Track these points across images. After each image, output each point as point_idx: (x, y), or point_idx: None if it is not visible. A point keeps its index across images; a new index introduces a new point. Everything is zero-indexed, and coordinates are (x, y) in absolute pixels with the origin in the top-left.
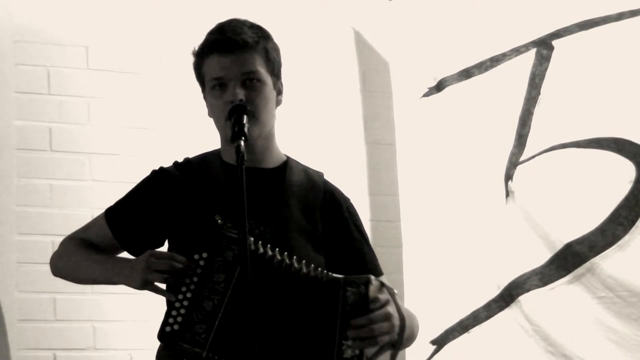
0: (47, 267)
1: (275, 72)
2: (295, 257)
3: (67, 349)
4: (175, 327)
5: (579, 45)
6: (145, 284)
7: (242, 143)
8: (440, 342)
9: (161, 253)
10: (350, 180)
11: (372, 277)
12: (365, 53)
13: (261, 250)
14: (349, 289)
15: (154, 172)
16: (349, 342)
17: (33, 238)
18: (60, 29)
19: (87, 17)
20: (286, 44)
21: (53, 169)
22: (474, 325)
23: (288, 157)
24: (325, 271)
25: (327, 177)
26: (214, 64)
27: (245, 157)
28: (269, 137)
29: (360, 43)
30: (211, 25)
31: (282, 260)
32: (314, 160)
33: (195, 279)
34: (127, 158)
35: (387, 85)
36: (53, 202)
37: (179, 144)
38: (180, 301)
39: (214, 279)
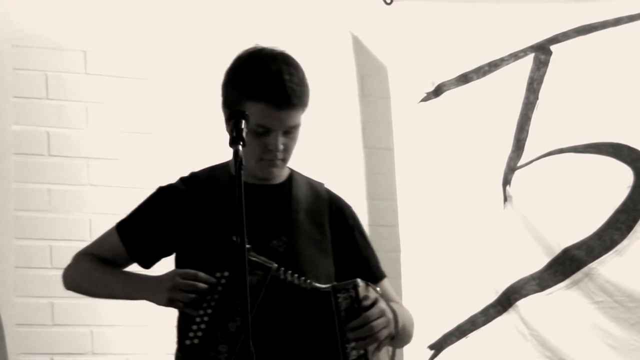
0: (45, 272)
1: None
2: (290, 271)
3: (65, 354)
4: (195, 341)
5: (577, 50)
6: (171, 302)
7: (240, 148)
8: (438, 347)
9: (186, 272)
10: (348, 185)
11: (358, 280)
12: (364, 58)
13: (286, 275)
14: (339, 295)
15: (160, 189)
16: (352, 345)
17: (31, 243)
18: (59, 34)
19: (85, 21)
20: (284, 48)
21: (51, 173)
22: (471, 330)
23: (292, 170)
24: (311, 282)
25: (325, 182)
26: (263, 113)
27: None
28: None
29: (358, 48)
30: (209, 29)
31: (300, 282)
32: (313, 165)
33: (215, 296)
34: (125, 163)
35: (385, 90)
36: (51, 207)
37: (177, 148)
38: (201, 316)
39: (239, 301)
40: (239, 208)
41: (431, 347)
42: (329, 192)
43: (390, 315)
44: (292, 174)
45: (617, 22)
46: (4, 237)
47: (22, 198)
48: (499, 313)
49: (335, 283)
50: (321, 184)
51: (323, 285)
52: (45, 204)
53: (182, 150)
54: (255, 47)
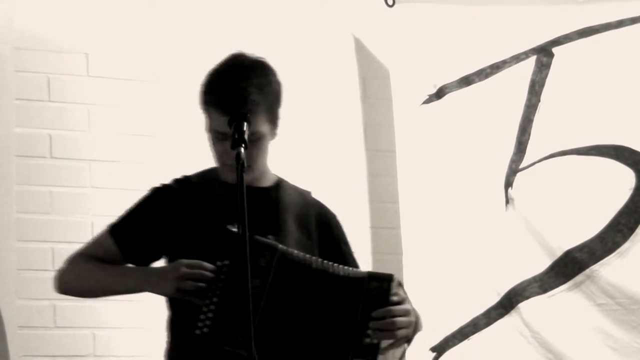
0: (47, 274)
1: (275, 116)
2: (321, 259)
3: (67, 356)
4: (205, 330)
5: (579, 53)
6: (178, 292)
7: (242, 150)
8: (439, 349)
9: (191, 262)
10: (350, 187)
11: (394, 275)
12: (366, 60)
13: (294, 254)
14: (372, 282)
15: (155, 189)
16: (369, 332)
17: (33, 245)
18: (61, 36)
19: (87, 24)
20: (286, 51)
21: (53, 175)
22: (473, 333)
23: (279, 178)
24: (350, 268)
25: (326, 184)
26: (216, 119)
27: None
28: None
29: (361, 50)
30: (210, 32)
31: (312, 262)
32: (314, 168)
33: (220, 284)
34: (127, 165)
35: (387, 92)
36: (53, 209)
37: (178, 151)
38: (208, 305)
39: (252, 284)
40: (240, 209)
41: (433, 349)
42: (315, 201)
43: (413, 318)
44: (280, 181)
45: (620, 24)
46: (5, 239)
47: (24, 200)
48: (501, 315)
49: (371, 271)
50: (309, 192)
51: (358, 270)
52: (47, 206)
53: (184, 153)
54: (231, 54)
